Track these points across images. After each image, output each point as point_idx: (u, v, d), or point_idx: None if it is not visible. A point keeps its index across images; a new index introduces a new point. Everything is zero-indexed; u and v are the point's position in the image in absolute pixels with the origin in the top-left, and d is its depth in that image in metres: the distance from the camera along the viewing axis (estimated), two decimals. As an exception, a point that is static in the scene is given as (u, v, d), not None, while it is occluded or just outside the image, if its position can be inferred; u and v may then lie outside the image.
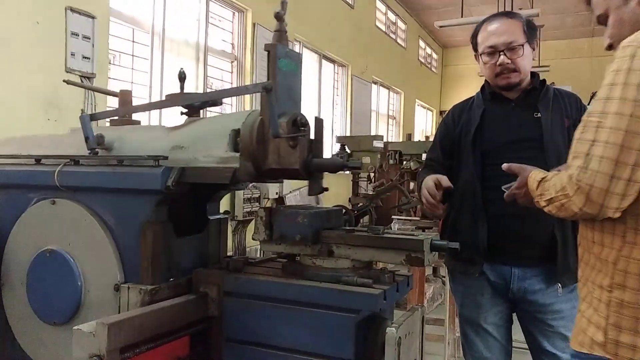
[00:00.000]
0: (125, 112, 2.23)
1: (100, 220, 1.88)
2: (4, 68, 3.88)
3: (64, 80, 2.90)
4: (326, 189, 1.83)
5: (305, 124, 1.76)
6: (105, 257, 1.85)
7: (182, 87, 2.11)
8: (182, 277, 1.86)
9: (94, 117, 1.98)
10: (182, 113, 2.08)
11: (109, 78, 4.95)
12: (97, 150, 1.90)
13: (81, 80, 4.42)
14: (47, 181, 1.95)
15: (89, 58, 4.54)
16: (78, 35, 4.44)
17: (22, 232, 2.06)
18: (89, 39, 4.54)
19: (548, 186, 1.31)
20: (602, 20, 1.43)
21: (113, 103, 4.65)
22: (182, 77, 2.10)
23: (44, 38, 4.16)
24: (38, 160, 2.04)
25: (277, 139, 1.68)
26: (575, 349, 1.31)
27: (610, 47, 1.39)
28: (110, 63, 5.04)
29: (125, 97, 2.32)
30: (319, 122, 1.75)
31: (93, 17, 4.56)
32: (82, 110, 1.92)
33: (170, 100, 2.10)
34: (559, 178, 1.27)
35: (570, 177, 1.21)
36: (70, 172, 1.94)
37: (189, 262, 1.92)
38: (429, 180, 2.03)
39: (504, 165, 1.62)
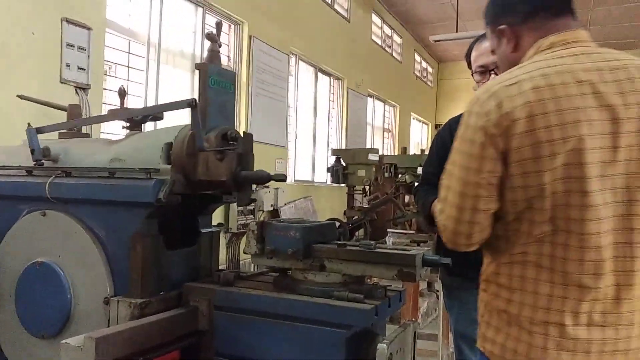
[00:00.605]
0: (70, 125, 2.35)
1: (90, 233, 1.87)
2: (1, 79, 3.88)
3: (18, 95, 2.95)
4: (254, 200, 1.91)
5: (235, 138, 1.84)
6: (95, 270, 1.84)
7: (122, 103, 2.25)
8: (173, 290, 1.85)
9: (40, 130, 2.08)
10: (123, 127, 2.19)
11: (104, 89, 4.94)
12: (42, 161, 1.99)
13: (76, 91, 4.42)
14: (38, 192, 1.94)
15: (84, 69, 4.54)
16: (73, 46, 4.44)
17: (12, 243, 2.05)
18: (85, 50, 4.55)
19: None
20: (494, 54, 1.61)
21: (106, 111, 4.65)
22: (121, 93, 2.25)
23: (39, 49, 4.15)
24: (29, 171, 2.03)
25: (204, 152, 1.78)
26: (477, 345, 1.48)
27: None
28: (105, 74, 5.04)
29: (73, 110, 2.46)
30: (247, 136, 1.86)
31: (89, 29, 4.57)
32: (28, 124, 2.03)
33: (112, 115, 2.24)
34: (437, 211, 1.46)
35: (437, 217, 1.43)
36: (62, 184, 1.93)
37: (179, 275, 1.91)
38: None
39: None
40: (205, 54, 1.95)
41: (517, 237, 1.34)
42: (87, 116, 4.36)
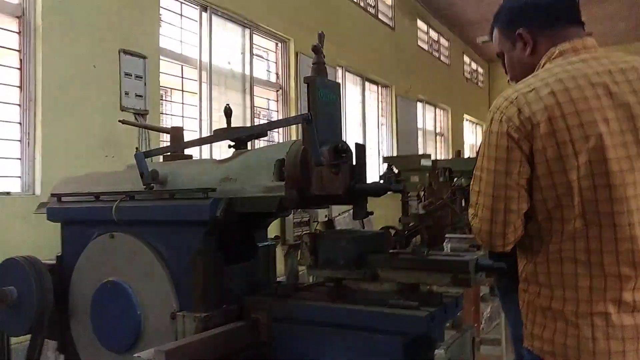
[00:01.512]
0: (176, 147, 2.36)
1: (154, 252, 1.98)
2: (66, 110, 4.15)
3: (119, 121, 3.08)
4: (371, 213, 1.87)
5: (347, 150, 1.82)
6: (161, 287, 1.94)
7: (228, 122, 2.22)
8: (234, 304, 1.92)
9: (147, 154, 2.10)
10: (229, 146, 2.18)
11: (161, 113, 5.19)
12: (152, 185, 2.00)
13: (135, 117, 4.66)
14: (106, 216, 2.07)
15: (141, 96, 4.78)
16: (131, 75, 4.70)
17: (85, 265, 2.19)
18: (141, 78, 4.79)
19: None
20: (501, 56, 1.68)
21: (164, 138, 4.88)
22: (227, 112, 2.21)
23: (100, 80, 4.42)
24: (97, 197, 2.17)
25: (319, 167, 1.74)
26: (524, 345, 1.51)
27: (511, 80, 1.65)
28: (161, 99, 5.28)
29: (176, 133, 2.45)
30: (360, 148, 1.80)
31: (144, 57, 4.82)
32: (136, 148, 2.05)
33: (219, 136, 2.22)
34: (470, 217, 1.54)
35: (471, 222, 1.51)
36: (126, 207, 2.05)
37: (239, 288, 1.99)
38: None
39: None
40: (311, 67, 1.88)
41: (550, 235, 1.40)
42: (147, 141, 4.59)
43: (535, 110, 1.36)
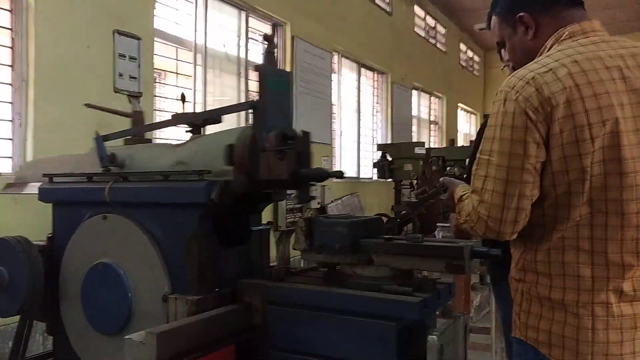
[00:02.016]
0: (135, 131, 2.46)
1: (148, 234, 1.97)
2: (58, 91, 4.10)
3: (85, 104, 3.08)
4: (313, 197, 1.95)
5: (293, 137, 1.87)
6: (153, 269, 1.93)
7: (183, 108, 2.38)
8: (227, 287, 1.92)
9: (106, 137, 2.17)
10: (186, 131, 2.26)
11: (155, 96, 5.13)
12: (109, 167, 2.07)
13: (129, 99, 4.60)
14: (99, 197, 2.05)
15: (135, 78, 4.70)
16: (125, 56, 4.61)
17: (76, 246, 2.17)
18: (135, 59, 4.71)
19: (462, 207, 1.48)
20: (501, 45, 1.63)
21: (160, 119, 4.83)
22: (183, 99, 2.38)
23: (93, 61, 4.36)
24: (90, 177, 2.15)
25: (265, 152, 1.81)
26: (513, 335, 1.50)
27: (513, 68, 1.58)
28: (155, 81, 5.22)
29: (137, 117, 2.52)
30: (305, 135, 1.88)
31: (138, 39, 4.73)
32: (96, 132, 2.11)
33: (175, 120, 2.30)
34: (468, 204, 1.45)
35: (473, 208, 1.41)
36: (119, 188, 2.03)
37: (233, 272, 1.98)
38: None
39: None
40: (262, 56, 1.97)
41: (555, 223, 1.36)
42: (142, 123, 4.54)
43: (555, 91, 1.31)
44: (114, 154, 2.08)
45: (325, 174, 1.89)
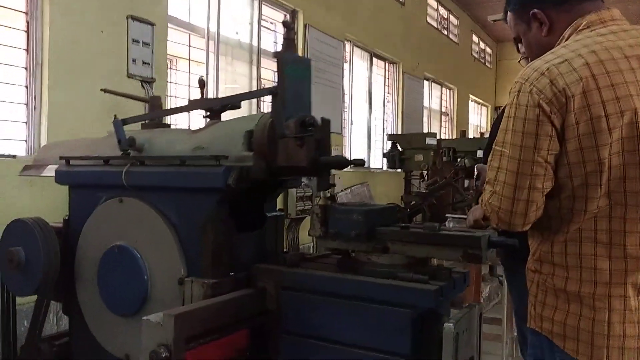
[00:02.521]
0: (153, 116, 2.44)
1: (164, 218, 1.98)
2: (74, 75, 4.11)
3: (101, 89, 3.07)
4: (333, 185, 1.93)
5: (313, 124, 1.85)
6: (169, 253, 1.95)
7: (202, 93, 2.28)
8: (242, 272, 1.93)
9: (125, 121, 2.16)
10: (204, 116, 2.24)
11: (168, 82, 5.14)
12: (129, 151, 2.06)
13: (142, 85, 4.62)
14: (115, 181, 2.07)
15: (148, 63, 4.73)
16: (138, 42, 4.63)
17: (92, 229, 2.19)
18: (149, 45, 4.73)
19: (482, 196, 1.48)
20: (518, 41, 1.63)
21: (172, 105, 4.84)
22: (201, 84, 2.29)
23: (107, 46, 4.37)
24: (106, 161, 2.16)
25: (285, 139, 1.80)
26: (528, 326, 1.51)
27: (529, 60, 1.57)
28: (168, 68, 5.22)
29: (155, 102, 2.53)
30: (325, 122, 1.85)
31: (152, 24, 4.75)
32: (114, 115, 2.10)
33: (192, 105, 2.29)
34: (485, 194, 1.46)
35: (487, 199, 1.43)
36: (136, 172, 2.05)
37: (248, 257, 1.99)
38: None
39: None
40: (281, 43, 1.96)
41: (571, 215, 1.35)
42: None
43: (570, 82, 1.29)
44: (133, 138, 2.08)
45: (346, 162, 1.87)
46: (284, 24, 1.93)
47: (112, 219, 2.13)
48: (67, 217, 2.31)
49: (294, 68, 1.89)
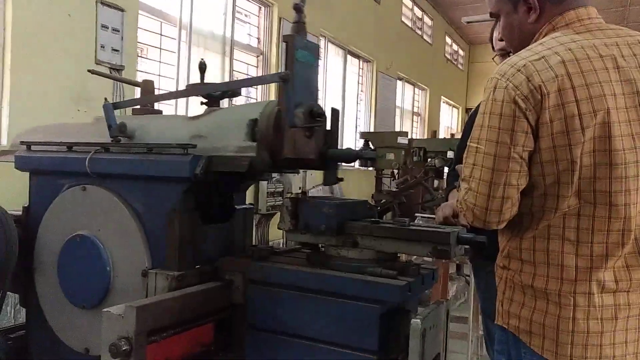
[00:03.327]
0: (146, 100, 2.28)
1: (129, 207, 1.92)
2: (36, 59, 3.97)
3: (88, 70, 2.93)
4: (341, 179, 1.84)
5: (322, 114, 1.78)
6: (133, 243, 1.89)
7: (202, 78, 2.14)
8: (208, 264, 1.89)
9: (116, 105, 2.03)
10: (202, 103, 2.11)
11: (137, 70, 5.01)
12: (119, 137, 1.93)
13: (110, 72, 4.49)
14: (79, 168, 1.99)
15: (118, 50, 4.60)
16: (108, 27, 4.51)
17: (53, 217, 2.11)
18: (119, 31, 4.61)
19: (458, 195, 1.47)
20: (495, 16, 1.57)
21: (139, 95, 4.72)
22: (202, 67, 2.12)
23: (75, 30, 4.23)
24: (70, 147, 2.08)
25: (293, 129, 1.69)
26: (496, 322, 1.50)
27: (502, 57, 1.57)
28: (138, 56, 5.10)
29: (147, 86, 2.37)
30: (335, 113, 1.77)
31: (123, 10, 4.62)
32: (105, 99, 1.94)
33: (191, 90, 2.15)
34: (460, 192, 1.44)
35: (462, 197, 1.41)
36: (101, 159, 1.98)
37: (214, 250, 1.95)
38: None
39: (457, 167, 1.73)
40: (291, 26, 1.82)
41: (542, 212, 1.36)
42: (122, 96, 4.44)
43: (546, 79, 1.29)
44: (124, 124, 1.95)
45: (355, 155, 1.78)
46: (295, 6, 1.79)
47: (75, 208, 2.05)
48: (26, 205, 2.22)
49: (303, 53, 1.75)
